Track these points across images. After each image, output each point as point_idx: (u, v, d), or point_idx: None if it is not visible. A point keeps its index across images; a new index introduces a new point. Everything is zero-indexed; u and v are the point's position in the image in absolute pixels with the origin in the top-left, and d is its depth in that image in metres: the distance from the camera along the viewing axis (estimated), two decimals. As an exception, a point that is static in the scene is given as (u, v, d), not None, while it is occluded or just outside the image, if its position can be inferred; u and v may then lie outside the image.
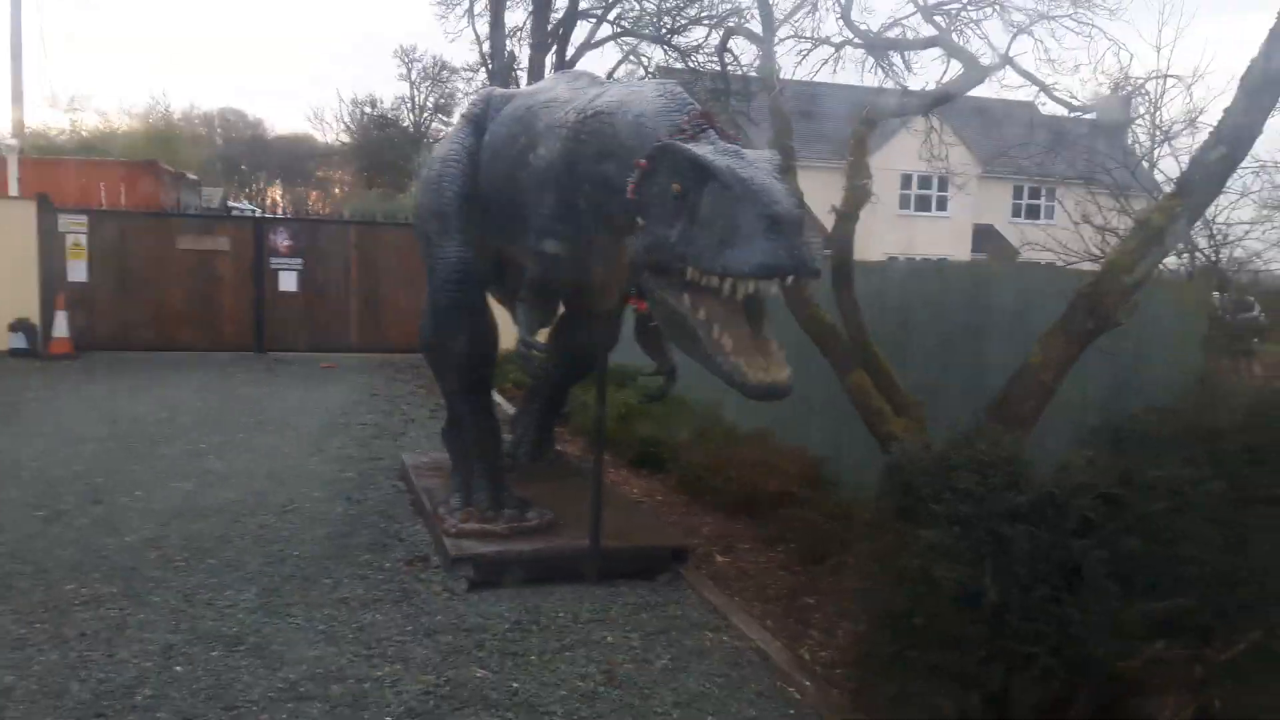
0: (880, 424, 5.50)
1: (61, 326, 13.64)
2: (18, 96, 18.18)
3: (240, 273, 14.67)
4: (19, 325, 13.61)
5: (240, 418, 9.83)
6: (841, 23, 7.92)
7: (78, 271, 13.95)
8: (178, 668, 4.17)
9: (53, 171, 19.11)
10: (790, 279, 3.44)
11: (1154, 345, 5.33)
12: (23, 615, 4.64)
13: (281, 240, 14.83)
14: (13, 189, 15.71)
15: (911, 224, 31.72)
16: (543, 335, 5.71)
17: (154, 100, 50.62)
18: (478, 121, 5.87)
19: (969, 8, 7.58)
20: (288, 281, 14.84)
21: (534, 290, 5.16)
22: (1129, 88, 6.87)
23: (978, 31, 7.64)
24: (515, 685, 4.15)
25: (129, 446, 8.29)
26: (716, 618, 5.00)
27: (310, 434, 9.21)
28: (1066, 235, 9.13)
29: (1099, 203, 6.44)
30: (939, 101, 6.52)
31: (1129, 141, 7.32)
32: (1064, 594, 3.57)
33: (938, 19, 7.67)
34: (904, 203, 32.99)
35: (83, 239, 13.97)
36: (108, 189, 18.46)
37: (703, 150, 3.80)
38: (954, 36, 7.40)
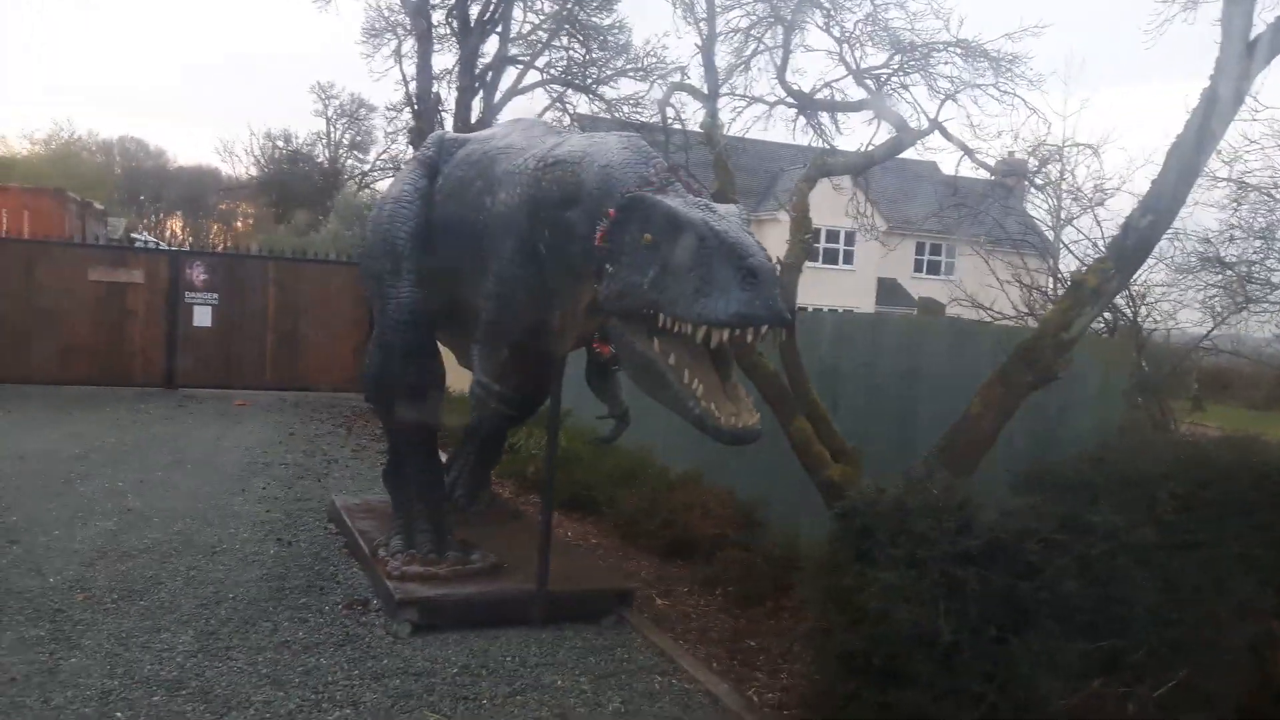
0: (820, 470, 5.66)
1: (-41, 358, 13.02)
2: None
3: (153, 306, 14.26)
4: (-88, 355, 12.94)
5: (157, 455, 9.51)
6: (775, 82, 8.24)
7: (-22, 301, 13.38)
8: (118, 714, 4.04)
9: (-51, 197, 18.31)
10: (765, 329, 3.58)
11: (1078, 396, 5.63)
12: (-55, 660, 4.43)
13: (198, 274, 14.48)
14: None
15: (820, 276, 32.55)
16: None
17: (57, 126, 48.73)
18: (430, 164, 5.91)
19: (898, 73, 7.97)
20: (202, 316, 14.47)
21: (490, 333, 5.19)
22: (1047, 154, 7.31)
23: (906, 96, 8.01)
24: (470, 729, 4.14)
25: (42, 484, 7.95)
26: (664, 661, 5.05)
27: (231, 473, 8.97)
28: (974, 289, 9.59)
29: (1026, 263, 6.84)
30: (874, 162, 6.83)
31: (1052, 204, 7.79)
32: (1010, 634, 3.75)
33: (868, 82, 8.04)
34: (813, 255, 33.90)
35: (-15, 267, 13.41)
36: (10, 216, 17.73)
37: (675, 203, 3.93)
38: (883, 100, 7.76)
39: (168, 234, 53.66)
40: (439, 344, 6.20)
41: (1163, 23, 5.40)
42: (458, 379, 6.70)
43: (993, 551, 3.75)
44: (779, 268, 6.01)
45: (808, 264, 6.19)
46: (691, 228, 3.78)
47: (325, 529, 7.14)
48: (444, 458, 7.92)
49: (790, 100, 8.52)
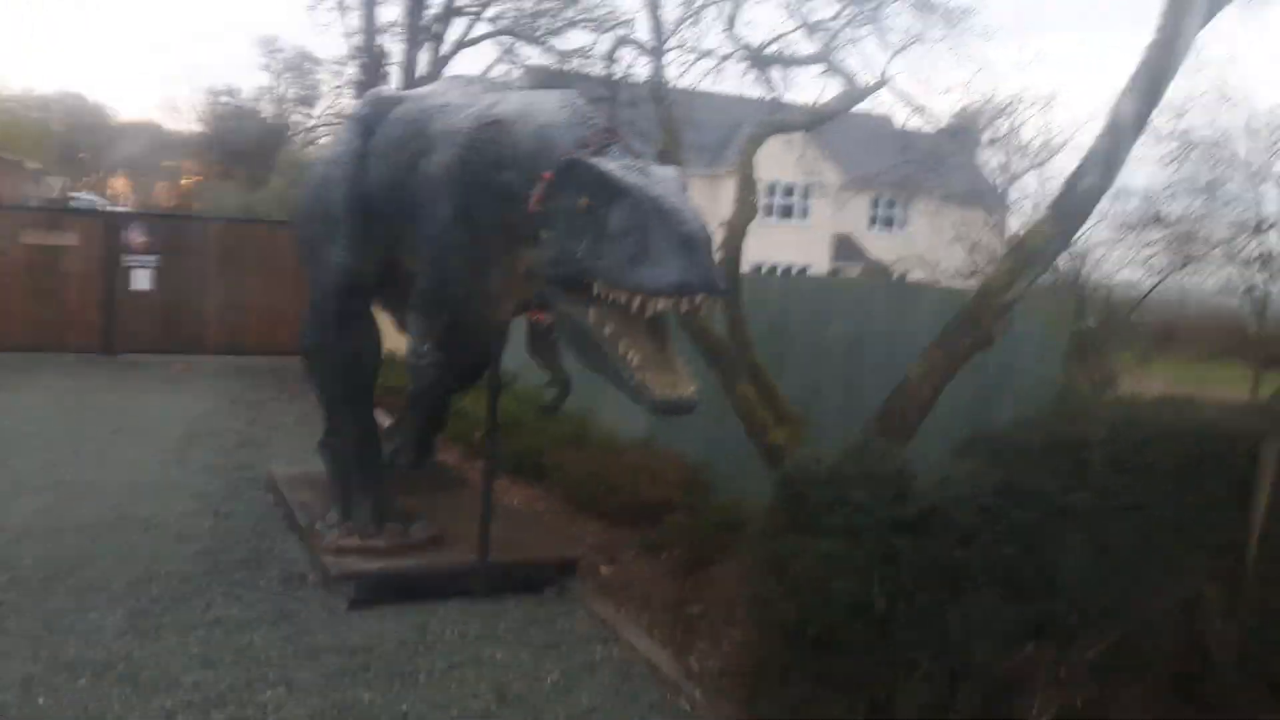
0: (763, 434, 5.65)
1: (-118, 325, 12.58)
2: None
3: (89, 270, 13.82)
4: None
5: (93, 425, 9.26)
6: (725, 34, 8.08)
7: (-97, 266, 12.92)
8: (41, 699, 3.92)
9: None
10: (700, 297, 3.50)
11: (1017, 357, 5.65)
12: None
13: (136, 237, 14.05)
14: None
15: (774, 232, 32.48)
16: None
17: (-14, 82, 46.93)
18: (366, 123, 5.70)
19: (849, 26, 7.84)
20: (141, 280, 14.06)
21: (426, 299, 5.05)
22: (996, 109, 7.26)
23: (856, 51, 7.90)
24: (404, 708, 4.07)
25: (-32, 457, 7.71)
26: (604, 630, 5.02)
27: (170, 442, 8.75)
28: (924, 247, 9.60)
29: (969, 219, 6.78)
30: (822, 119, 6.73)
31: (1001, 161, 7.75)
32: (946, 601, 3.75)
33: (818, 36, 7.90)
34: (767, 210, 33.73)
35: (-91, 231, 12.94)
36: (-65, 176, 17.12)
37: (611, 166, 3.81)
38: (833, 55, 7.64)
39: (110, 194, 52.19)
40: (376, 309, 6.05)
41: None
42: (399, 341, 6.57)
43: (928, 519, 3.75)
44: (723, 231, 5.94)
45: (761, 219, 6.12)
46: (627, 193, 3.67)
47: (264, 500, 6.99)
48: (386, 423, 7.80)
49: (740, 54, 8.37)
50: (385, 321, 6.27)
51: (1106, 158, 4.49)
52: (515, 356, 6.60)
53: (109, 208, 24.91)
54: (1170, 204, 6.83)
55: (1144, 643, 3.82)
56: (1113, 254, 6.59)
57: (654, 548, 6.28)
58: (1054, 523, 3.93)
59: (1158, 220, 6.57)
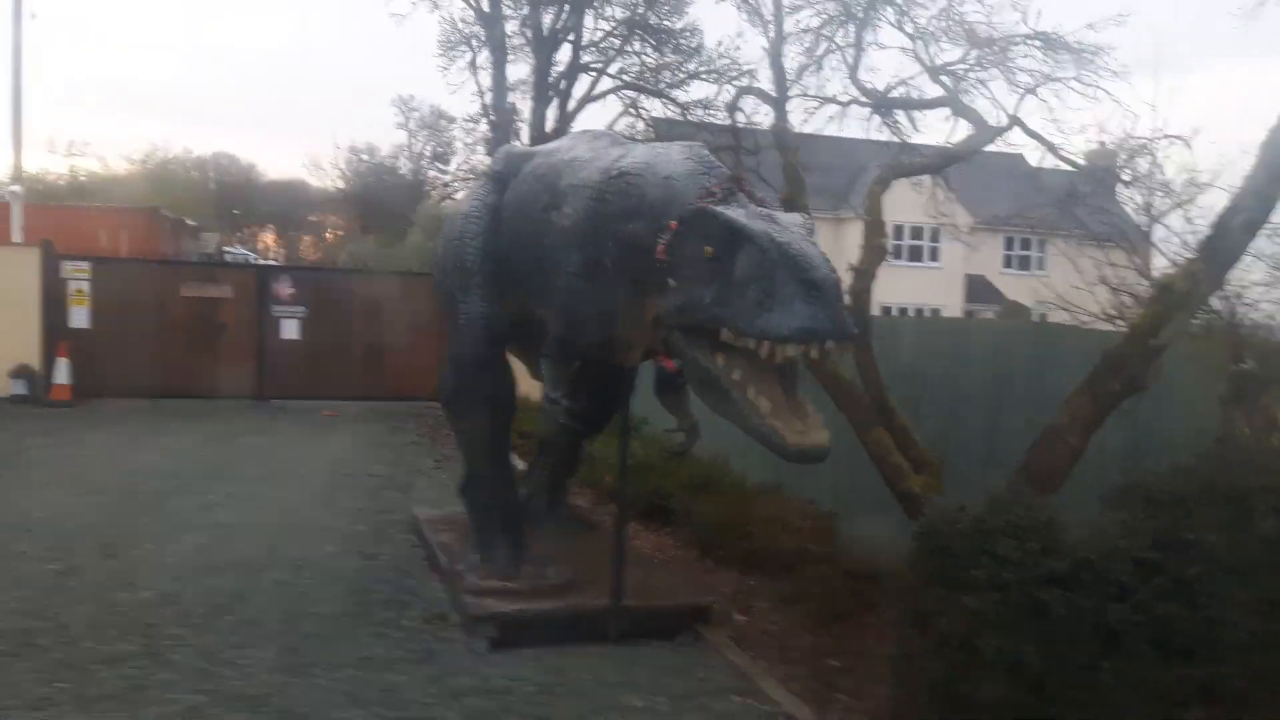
0: (900, 481, 5.53)
1: (62, 373, 13.63)
2: (18, 142, 18.02)
3: (242, 320, 14.71)
4: (20, 371, 13.64)
5: (247, 468, 9.78)
6: (848, 81, 8.05)
7: (80, 318, 14.01)
8: (203, 731, 4.13)
9: (53, 217, 19.21)
10: (829, 343, 3.48)
11: (1171, 403, 5.37)
12: (44, 674, 4.58)
13: (284, 288, 14.89)
14: (16, 235, 15.77)
15: (905, 274, 31.90)
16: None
17: (154, 146, 50.64)
18: (499, 179, 5.93)
19: (975, 69, 7.71)
20: (289, 329, 14.89)
21: (558, 347, 5.18)
22: (1134, 148, 6.96)
23: (984, 92, 7.73)
24: (546, 752, 4.11)
25: (137, 498, 8.24)
26: (742, 680, 4.95)
27: (318, 485, 9.17)
28: (1062, 287, 9.21)
29: (1110, 259, 6.47)
30: (951, 161, 6.63)
31: (1142, 200, 7.39)
32: (1101, 660, 3.57)
33: (944, 79, 7.79)
34: (896, 253, 33.16)
35: (85, 286, 14.06)
36: (108, 235, 18.53)
37: (737, 214, 3.85)
38: (960, 96, 7.51)
39: (260, 247, 55.29)
40: (511, 355, 6.23)
41: (1255, 6, 5.10)
42: (534, 387, 6.73)
43: (1080, 573, 3.59)
44: (851, 275, 5.89)
45: (892, 262, 6.01)
46: (753, 240, 3.70)
47: (408, 541, 7.23)
48: (521, 467, 7.97)
49: (864, 100, 8.31)
50: (519, 367, 6.44)
51: (1260, 194, 4.27)
52: (644, 401, 6.66)
53: (260, 261, 26.41)
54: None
55: (1325, 709, 3.55)
56: (1272, 293, 6.17)
57: (789, 598, 6.18)
58: (1218, 577, 3.71)
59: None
